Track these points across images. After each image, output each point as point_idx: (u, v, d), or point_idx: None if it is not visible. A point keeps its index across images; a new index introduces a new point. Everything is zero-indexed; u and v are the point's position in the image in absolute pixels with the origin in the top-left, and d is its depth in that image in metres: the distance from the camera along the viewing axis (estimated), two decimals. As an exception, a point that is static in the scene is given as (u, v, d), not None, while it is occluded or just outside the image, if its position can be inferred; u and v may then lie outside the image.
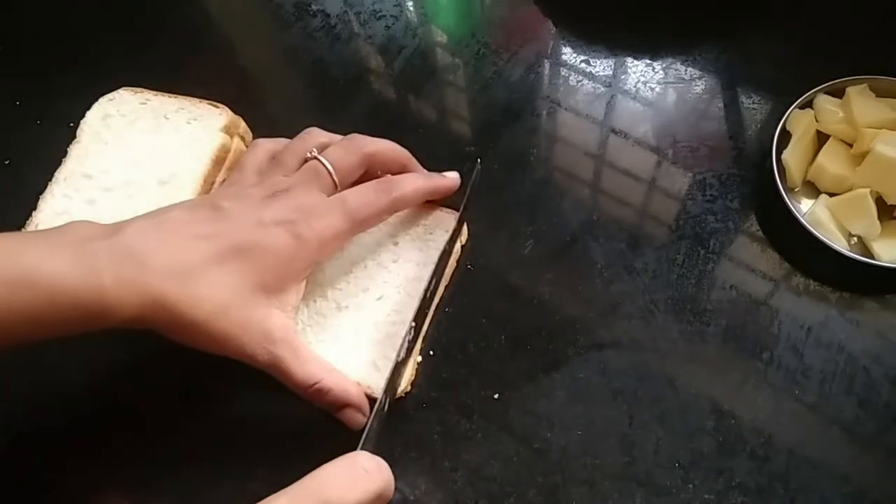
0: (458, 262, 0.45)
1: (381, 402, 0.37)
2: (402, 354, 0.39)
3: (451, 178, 0.45)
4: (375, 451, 0.34)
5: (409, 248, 0.45)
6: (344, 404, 0.38)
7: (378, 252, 0.45)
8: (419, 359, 0.42)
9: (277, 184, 0.40)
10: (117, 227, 0.36)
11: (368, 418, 0.37)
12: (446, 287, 0.44)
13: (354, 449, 0.41)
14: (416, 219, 0.46)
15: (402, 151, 0.45)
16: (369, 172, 0.43)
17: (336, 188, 0.41)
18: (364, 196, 0.41)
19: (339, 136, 0.44)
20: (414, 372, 0.41)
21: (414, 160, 0.45)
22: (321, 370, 0.38)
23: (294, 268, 0.39)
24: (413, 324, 0.40)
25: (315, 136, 0.44)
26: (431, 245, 0.45)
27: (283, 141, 0.44)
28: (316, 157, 0.41)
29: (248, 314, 0.37)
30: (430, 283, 0.41)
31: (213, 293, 0.36)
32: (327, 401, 0.38)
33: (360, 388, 0.39)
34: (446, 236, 0.44)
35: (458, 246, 0.45)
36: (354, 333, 0.42)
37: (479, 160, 0.46)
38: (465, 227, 0.46)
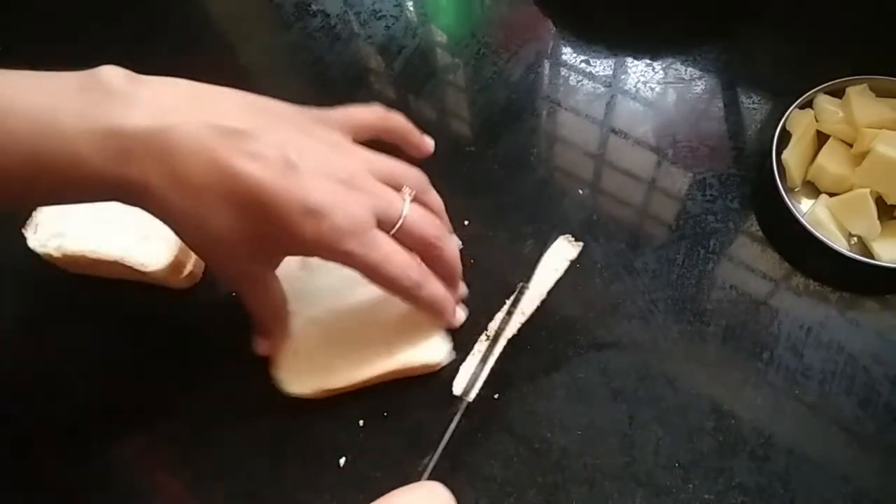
0: None
1: (451, 429, 0.38)
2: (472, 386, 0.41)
3: (460, 318, 0.43)
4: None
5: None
6: (262, 333, 0.41)
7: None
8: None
9: (352, 176, 0.36)
10: (161, 116, 0.33)
11: (433, 454, 0.38)
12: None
13: (351, 449, 0.41)
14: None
15: (458, 268, 0.42)
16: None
17: (389, 233, 0.38)
18: (399, 266, 0.37)
19: (439, 202, 0.42)
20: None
21: (459, 279, 0.43)
22: (266, 304, 0.40)
23: (295, 253, 0.38)
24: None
25: (421, 180, 0.41)
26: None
27: (398, 123, 0.42)
28: (404, 199, 0.38)
29: (235, 255, 0.36)
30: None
31: (217, 227, 0.34)
32: (256, 322, 0.41)
33: (284, 332, 0.41)
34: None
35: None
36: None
37: (521, 285, 0.44)
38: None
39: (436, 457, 0.37)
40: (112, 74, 0.34)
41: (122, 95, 0.33)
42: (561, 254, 0.46)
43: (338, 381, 0.41)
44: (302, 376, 0.42)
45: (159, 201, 0.33)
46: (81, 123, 0.32)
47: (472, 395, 0.41)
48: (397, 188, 0.38)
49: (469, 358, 0.42)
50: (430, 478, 0.37)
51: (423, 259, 0.40)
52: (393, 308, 0.42)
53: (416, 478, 0.37)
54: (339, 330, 0.43)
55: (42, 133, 0.32)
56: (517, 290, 0.44)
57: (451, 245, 0.41)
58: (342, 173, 0.36)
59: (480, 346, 0.43)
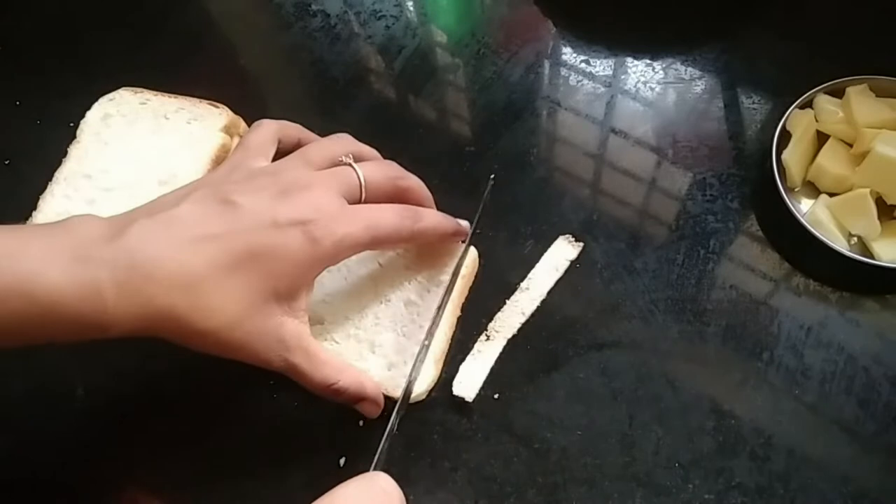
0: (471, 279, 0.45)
1: (391, 423, 0.37)
2: (414, 375, 0.40)
3: (464, 225, 0.44)
4: (385, 468, 0.35)
5: (423, 277, 0.44)
6: (360, 399, 0.39)
7: (390, 278, 0.44)
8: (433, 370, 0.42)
9: (298, 178, 0.37)
10: (120, 227, 0.33)
11: (380, 445, 0.37)
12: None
13: (351, 449, 0.41)
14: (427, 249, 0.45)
15: (428, 193, 0.43)
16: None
17: (359, 202, 0.39)
18: (390, 217, 0.39)
19: (373, 151, 0.43)
20: (434, 379, 0.42)
21: (432, 203, 0.44)
22: (336, 372, 0.37)
23: (307, 273, 0.37)
24: (426, 343, 0.40)
25: (350, 142, 0.42)
26: (444, 270, 0.44)
27: (288, 125, 0.42)
28: (350, 164, 0.39)
29: (260, 323, 0.35)
30: (441, 303, 0.42)
31: (225, 304, 0.34)
32: (344, 398, 0.38)
33: (374, 382, 0.39)
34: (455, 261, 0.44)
35: (468, 263, 0.45)
36: (369, 344, 0.42)
37: (492, 177, 0.46)
38: (472, 249, 0.45)
39: (381, 447, 0.36)
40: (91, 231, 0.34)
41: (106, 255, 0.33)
42: (561, 254, 0.46)
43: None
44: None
45: (158, 317, 0.33)
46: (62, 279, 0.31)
47: (472, 395, 0.41)
48: (337, 164, 0.39)
49: (469, 358, 0.42)
50: (447, 482, 0.38)
51: (395, 200, 0.41)
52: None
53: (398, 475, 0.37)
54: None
55: (24, 286, 0.31)
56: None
57: (410, 175, 0.42)
58: (286, 184, 0.37)
59: (480, 345, 0.43)
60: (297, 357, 0.36)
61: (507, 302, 0.44)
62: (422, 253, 0.45)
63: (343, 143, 0.41)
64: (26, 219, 0.46)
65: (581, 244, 0.46)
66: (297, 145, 0.42)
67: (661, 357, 0.43)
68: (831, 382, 0.42)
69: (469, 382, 0.41)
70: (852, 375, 0.42)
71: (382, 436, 0.37)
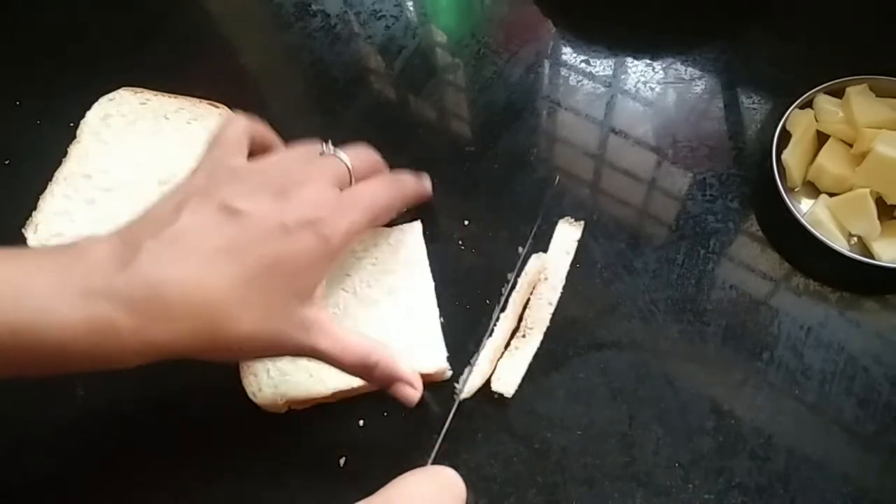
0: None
1: (449, 421, 0.39)
2: (474, 360, 0.41)
3: (427, 183, 0.46)
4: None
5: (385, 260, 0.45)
6: (393, 378, 0.38)
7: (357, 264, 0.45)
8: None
9: (290, 173, 0.37)
10: (129, 252, 0.32)
11: (439, 440, 0.38)
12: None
13: (351, 449, 0.41)
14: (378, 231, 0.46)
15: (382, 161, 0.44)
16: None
17: (350, 185, 0.40)
18: (381, 190, 0.41)
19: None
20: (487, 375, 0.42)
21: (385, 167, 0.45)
22: (366, 349, 0.37)
23: (322, 269, 0.37)
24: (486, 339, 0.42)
25: (317, 141, 0.42)
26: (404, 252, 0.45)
27: (256, 120, 0.42)
28: (333, 153, 0.40)
29: (283, 323, 0.35)
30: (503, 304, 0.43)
31: (246, 315, 0.34)
32: (377, 376, 0.38)
33: (407, 364, 0.39)
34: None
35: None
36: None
37: (557, 178, 0.48)
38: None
39: (439, 441, 0.37)
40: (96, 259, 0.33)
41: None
42: (566, 236, 0.46)
43: (303, 392, 0.41)
44: (266, 388, 0.41)
45: (187, 349, 0.33)
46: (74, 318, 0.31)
47: (511, 392, 0.42)
48: (320, 154, 0.40)
49: (506, 355, 0.43)
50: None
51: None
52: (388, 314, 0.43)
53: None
54: None
55: (37, 325, 0.30)
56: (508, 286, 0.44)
57: (373, 151, 0.44)
58: (282, 184, 0.37)
59: (517, 342, 0.43)
60: (324, 342, 0.36)
61: (531, 297, 0.44)
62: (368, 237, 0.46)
63: (314, 143, 0.41)
64: (26, 219, 0.46)
65: (582, 222, 0.47)
66: (263, 143, 0.41)
67: (661, 357, 0.43)
68: (831, 382, 0.42)
69: (508, 379, 0.42)
70: (852, 375, 0.42)
71: (442, 429, 0.38)
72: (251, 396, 0.41)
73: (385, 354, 0.38)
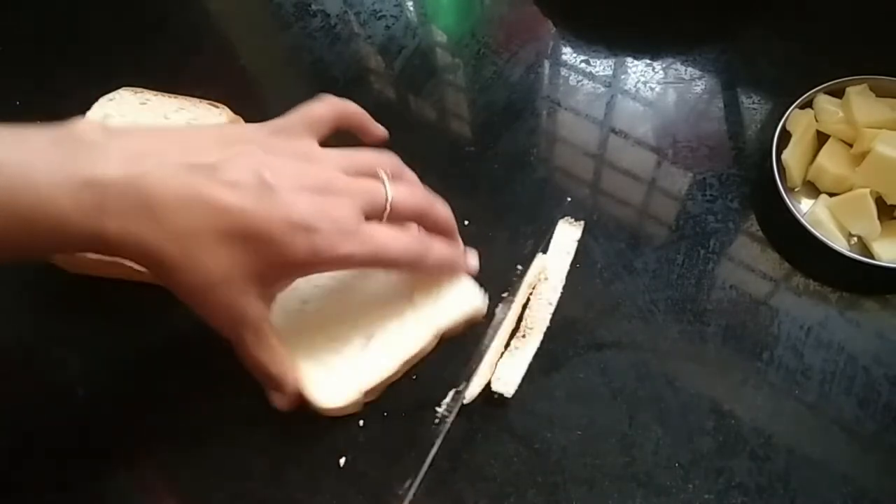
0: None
1: (450, 423, 0.39)
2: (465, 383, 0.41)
3: (473, 264, 0.44)
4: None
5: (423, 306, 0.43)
6: (276, 388, 0.39)
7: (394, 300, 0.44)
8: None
9: (330, 180, 0.37)
10: (135, 163, 0.33)
11: (415, 479, 0.38)
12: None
13: (351, 448, 0.41)
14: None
15: (453, 225, 0.43)
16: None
17: (379, 221, 0.38)
18: (400, 244, 0.38)
19: (412, 174, 0.42)
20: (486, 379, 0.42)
21: (457, 235, 0.43)
22: (272, 357, 0.38)
23: (296, 273, 0.38)
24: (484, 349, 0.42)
25: (393, 159, 0.41)
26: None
27: (350, 111, 0.42)
28: (383, 181, 0.38)
29: (234, 296, 0.35)
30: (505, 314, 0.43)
31: (211, 269, 0.34)
32: (267, 381, 0.39)
33: (297, 382, 0.39)
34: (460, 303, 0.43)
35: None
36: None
37: (569, 199, 0.48)
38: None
39: (417, 480, 0.38)
40: (86, 128, 0.34)
41: (95, 147, 0.33)
42: (566, 236, 0.46)
43: (376, 376, 0.41)
44: (336, 387, 0.40)
45: (143, 251, 0.33)
46: (56, 177, 0.31)
47: (511, 392, 0.42)
48: (373, 176, 0.39)
49: (506, 355, 0.42)
50: (447, 482, 0.38)
51: (420, 225, 0.41)
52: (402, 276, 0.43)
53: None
54: (341, 325, 0.42)
55: (16, 189, 0.31)
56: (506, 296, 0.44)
57: (441, 205, 0.42)
58: (317, 181, 0.36)
59: (517, 342, 0.43)
60: (248, 334, 0.37)
61: (531, 297, 0.44)
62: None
63: (387, 160, 0.41)
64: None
65: (582, 222, 0.47)
66: (355, 128, 0.42)
67: (661, 357, 0.43)
68: (831, 382, 0.42)
69: (508, 379, 0.41)
70: (852, 375, 0.42)
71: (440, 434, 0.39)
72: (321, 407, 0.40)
73: (281, 371, 0.39)
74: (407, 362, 0.42)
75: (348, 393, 0.40)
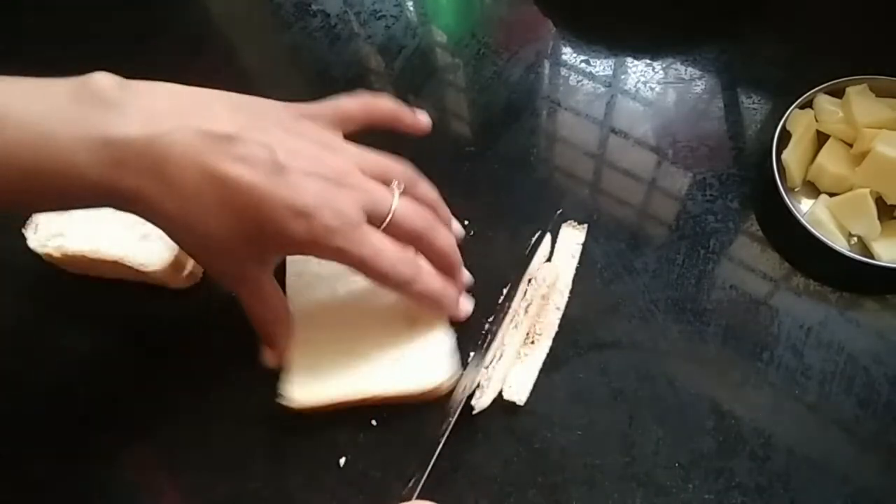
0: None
1: (443, 437, 0.39)
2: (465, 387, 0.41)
3: (464, 309, 0.43)
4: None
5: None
6: (270, 343, 0.41)
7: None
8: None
9: (342, 174, 0.37)
10: (155, 123, 0.34)
11: (419, 479, 0.38)
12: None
13: (351, 449, 0.41)
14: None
15: (457, 260, 0.42)
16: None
17: (377, 229, 0.38)
18: (389, 259, 0.38)
19: (428, 189, 0.42)
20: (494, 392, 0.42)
21: (459, 271, 0.43)
22: (266, 316, 0.40)
23: (290, 252, 0.40)
24: (482, 356, 0.42)
25: (409, 171, 0.41)
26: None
27: (382, 107, 0.43)
28: (392, 192, 0.38)
29: (233, 258, 0.37)
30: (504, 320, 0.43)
31: (212, 231, 0.35)
32: (263, 332, 0.41)
33: (286, 341, 0.41)
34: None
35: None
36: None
37: (559, 211, 0.47)
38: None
39: (425, 476, 0.38)
40: (104, 83, 0.35)
41: (113, 104, 0.34)
42: (571, 240, 0.46)
43: (341, 394, 0.41)
44: (308, 387, 0.41)
45: (152, 208, 0.34)
46: (75, 133, 0.32)
47: (523, 399, 0.42)
48: (387, 183, 0.39)
49: (517, 362, 0.42)
50: (447, 482, 0.38)
51: (418, 251, 0.40)
52: (396, 315, 0.43)
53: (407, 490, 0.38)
54: (341, 337, 0.42)
55: (35, 143, 0.32)
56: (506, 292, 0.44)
57: (444, 235, 0.41)
58: (331, 171, 0.37)
59: (526, 349, 0.43)
60: (246, 291, 0.39)
61: (540, 302, 0.44)
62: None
63: (403, 171, 0.40)
64: (26, 219, 0.46)
65: (585, 225, 0.47)
66: (386, 124, 0.42)
67: (661, 357, 0.43)
68: (831, 382, 0.42)
69: (519, 387, 0.41)
70: (852, 375, 0.42)
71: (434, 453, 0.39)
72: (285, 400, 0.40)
73: (279, 319, 0.41)
74: (372, 398, 0.41)
75: (316, 397, 0.41)
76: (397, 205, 0.38)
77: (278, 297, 0.40)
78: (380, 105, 0.42)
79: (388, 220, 0.38)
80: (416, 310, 0.42)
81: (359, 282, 0.42)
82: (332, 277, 0.44)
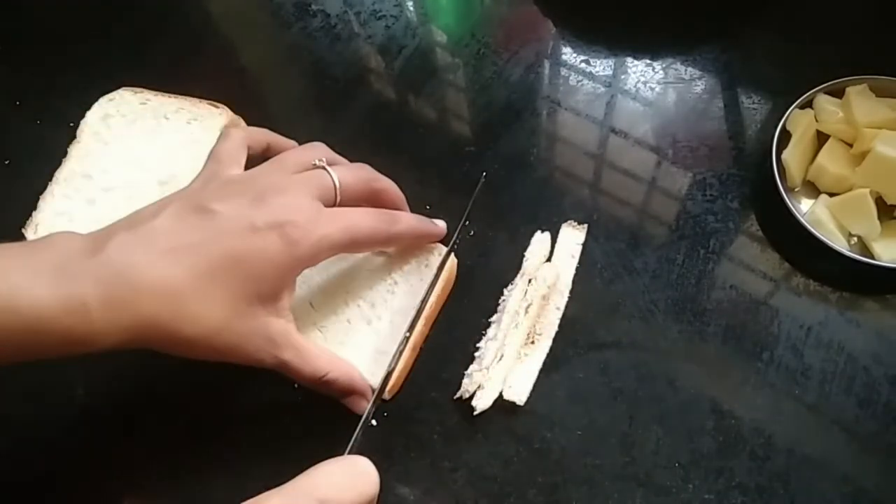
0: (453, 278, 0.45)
1: (367, 412, 0.38)
2: (392, 366, 0.40)
3: (441, 226, 0.45)
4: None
5: (404, 280, 0.44)
6: (349, 392, 0.40)
7: (374, 280, 0.44)
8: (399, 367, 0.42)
9: (273, 182, 0.38)
10: (100, 242, 0.34)
11: (356, 433, 0.37)
12: (443, 302, 0.45)
13: (353, 449, 0.41)
14: (409, 252, 0.45)
15: (401, 195, 0.43)
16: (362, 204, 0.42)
17: (334, 205, 0.39)
18: (367, 220, 0.39)
19: (344, 160, 0.43)
20: (401, 379, 0.42)
21: (406, 205, 0.44)
22: (326, 364, 0.39)
23: (287, 274, 0.37)
24: (407, 335, 0.41)
25: (323, 149, 0.42)
26: (426, 274, 0.44)
27: (256, 131, 0.43)
28: (324, 168, 0.39)
29: (247, 325, 0.36)
30: (421, 304, 0.42)
31: (209, 310, 0.34)
32: (334, 389, 0.39)
33: (362, 377, 0.40)
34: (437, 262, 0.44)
35: (451, 263, 0.45)
36: (354, 348, 0.43)
37: (483, 174, 0.47)
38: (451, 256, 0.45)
39: (355, 436, 0.37)
40: (63, 247, 0.34)
41: (74, 270, 0.33)
42: (570, 240, 0.46)
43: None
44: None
45: (154, 337, 0.34)
46: (44, 302, 0.32)
47: (523, 400, 0.41)
48: (310, 168, 0.40)
49: (516, 362, 0.42)
50: (447, 482, 0.38)
51: (369, 203, 0.41)
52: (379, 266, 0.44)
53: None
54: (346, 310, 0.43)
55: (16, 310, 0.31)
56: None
57: (380, 177, 0.42)
58: (263, 189, 0.37)
59: (526, 349, 0.43)
60: (287, 354, 0.37)
61: (540, 302, 0.44)
62: (399, 253, 0.45)
63: (316, 150, 0.42)
64: (26, 219, 0.46)
65: (585, 225, 0.47)
66: (267, 151, 0.43)
67: (661, 357, 0.43)
68: (831, 382, 0.42)
69: (519, 387, 0.41)
70: (852, 375, 0.42)
71: (357, 425, 0.37)
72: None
73: (344, 373, 0.39)
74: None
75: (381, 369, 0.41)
76: (338, 175, 0.39)
77: (321, 349, 0.40)
78: (252, 134, 0.43)
79: (338, 193, 0.39)
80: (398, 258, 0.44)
81: (332, 265, 0.44)
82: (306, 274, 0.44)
